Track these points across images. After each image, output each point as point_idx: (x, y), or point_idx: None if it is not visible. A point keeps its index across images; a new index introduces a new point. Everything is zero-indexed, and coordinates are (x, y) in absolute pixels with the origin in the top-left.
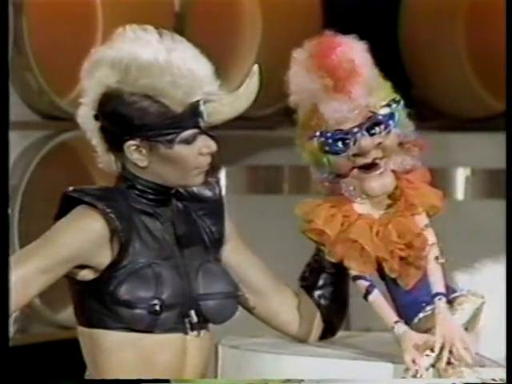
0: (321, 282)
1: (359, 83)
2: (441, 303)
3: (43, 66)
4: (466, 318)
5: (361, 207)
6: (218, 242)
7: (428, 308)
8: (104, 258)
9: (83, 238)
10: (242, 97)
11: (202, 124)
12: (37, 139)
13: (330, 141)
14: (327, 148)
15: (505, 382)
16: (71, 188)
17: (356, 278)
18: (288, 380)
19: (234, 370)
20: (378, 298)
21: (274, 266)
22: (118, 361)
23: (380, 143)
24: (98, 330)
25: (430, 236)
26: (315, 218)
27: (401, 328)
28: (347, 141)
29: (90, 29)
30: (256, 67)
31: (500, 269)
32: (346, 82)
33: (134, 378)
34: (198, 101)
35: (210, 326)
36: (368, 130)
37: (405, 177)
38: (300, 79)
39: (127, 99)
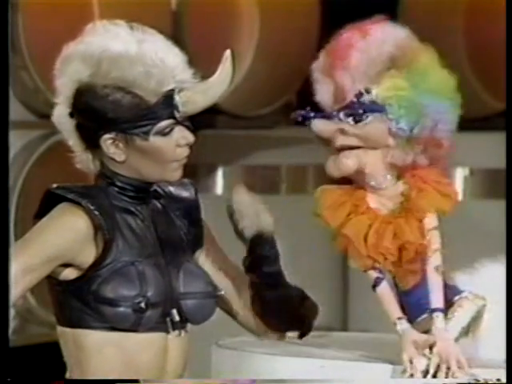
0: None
1: (346, 68)
2: (438, 320)
3: (39, 65)
4: (466, 320)
5: (373, 199)
6: (194, 242)
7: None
8: (88, 256)
9: (68, 236)
10: (215, 83)
11: (177, 115)
12: (33, 138)
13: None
14: None
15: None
16: (55, 185)
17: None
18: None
19: (229, 372)
20: (385, 291)
21: None
22: (99, 361)
23: (343, 130)
24: (80, 329)
25: (434, 240)
26: (323, 207)
27: (402, 325)
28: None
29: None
30: (228, 52)
31: (499, 269)
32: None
33: (114, 378)
34: (171, 90)
35: (202, 326)
36: (347, 115)
37: (418, 175)
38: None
39: (100, 92)
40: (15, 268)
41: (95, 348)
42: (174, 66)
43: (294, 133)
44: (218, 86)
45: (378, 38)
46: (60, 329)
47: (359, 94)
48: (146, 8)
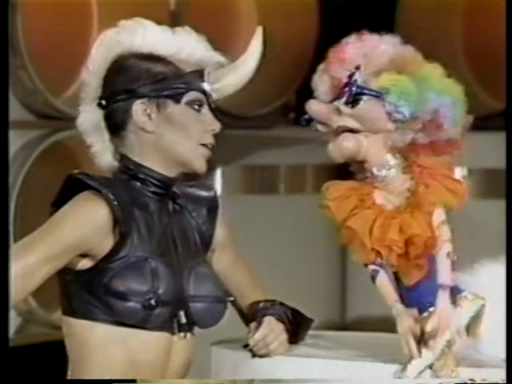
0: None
1: (341, 61)
2: (442, 294)
3: (38, 65)
4: (465, 320)
5: (380, 195)
6: (208, 244)
7: (432, 308)
8: (105, 246)
9: (89, 225)
10: (245, 60)
11: (207, 87)
12: (31, 138)
13: None
14: None
15: (505, 382)
16: (77, 170)
17: None
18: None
19: (229, 372)
20: (383, 280)
21: (271, 266)
22: (101, 356)
23: (337, 109)
24: (86, 321)
25: (444, 233)
26: (329, 199)
27: (399, 308)
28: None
29: (85, 28)
30: (260, 28)
31: (499, 269)
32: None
33: (117, 376)
34: (202, 68)
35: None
36: (342, 98)
37: (426, 170)
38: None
39: (132, 60)
40: (36, 257)
41: (99, 342)
42: (203, 46)
43: (292, 133)
44: (248, 61)
45: (374, 39)
46: (65, 319)
47: (351, 74)
48: (146, 8)
